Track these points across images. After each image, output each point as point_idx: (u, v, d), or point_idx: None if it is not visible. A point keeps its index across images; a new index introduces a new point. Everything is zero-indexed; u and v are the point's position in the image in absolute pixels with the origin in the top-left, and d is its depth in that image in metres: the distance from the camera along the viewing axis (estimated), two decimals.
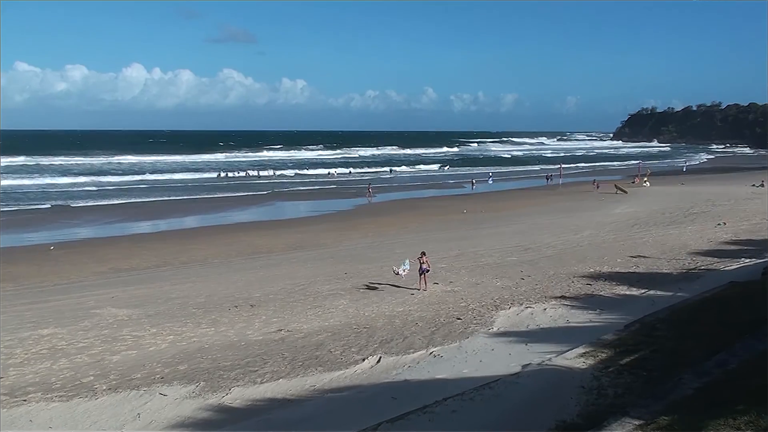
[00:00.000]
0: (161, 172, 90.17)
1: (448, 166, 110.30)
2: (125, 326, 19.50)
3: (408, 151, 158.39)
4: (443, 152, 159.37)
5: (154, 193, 64.43)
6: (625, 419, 8.80)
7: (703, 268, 24.83)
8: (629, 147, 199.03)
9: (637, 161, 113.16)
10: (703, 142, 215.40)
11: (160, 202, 57.59)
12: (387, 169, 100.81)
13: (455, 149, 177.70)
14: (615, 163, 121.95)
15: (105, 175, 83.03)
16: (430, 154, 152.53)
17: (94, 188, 68.97)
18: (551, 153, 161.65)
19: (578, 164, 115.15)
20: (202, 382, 14.36)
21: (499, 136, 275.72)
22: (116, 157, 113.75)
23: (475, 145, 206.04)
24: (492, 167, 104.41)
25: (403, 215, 47.88)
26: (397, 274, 24.13)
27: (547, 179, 78.16)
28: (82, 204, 55.65)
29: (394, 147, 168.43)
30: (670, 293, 20.39)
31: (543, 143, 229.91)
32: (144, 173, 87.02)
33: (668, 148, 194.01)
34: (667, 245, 30.49)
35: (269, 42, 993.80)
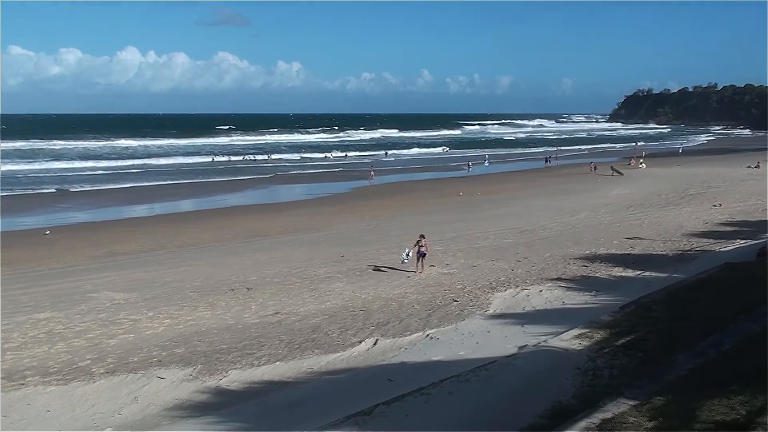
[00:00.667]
0: (156, 156, 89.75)
1: (447, 149, 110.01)
2: (122, 310, 19.50)
3: (409, 133, 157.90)
4: (445, 135, 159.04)
5: (150, 178, 64.11)
6: (620, 400, 8.84)
7: (698, 249, 24.92)
8: (629, 129, 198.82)
9: (633, 143, 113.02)
10: (699, 123, 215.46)
11: (155, 187, 57.33)
12: (382, 152, 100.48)
13: (457, 132, 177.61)
14: (612, 144, 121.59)
15: (100, 160, 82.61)
16: (431, 136, 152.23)
17: (90, 173, 68.69)
18: (554, 135, 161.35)
19: (574, 146, 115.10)
20: (199, 365, 14.40)
21: (497, 118, 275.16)
22: (111, 141, 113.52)
23: (477, 127, 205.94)
24: (498, 149, 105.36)
25: (399, 198, 47.85)
26: (404, 262, 23.99)
27: (546, 161, 77.89)
28: (77, 188, 55.48)
29: (393, 130, 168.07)
30: (666, 275, 20.46)
31: (543, 125, 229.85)
32: (139, 157, 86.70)
33: (668, 130, 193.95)
34: (662, 227, 30.56)
35: (264, 25, 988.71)
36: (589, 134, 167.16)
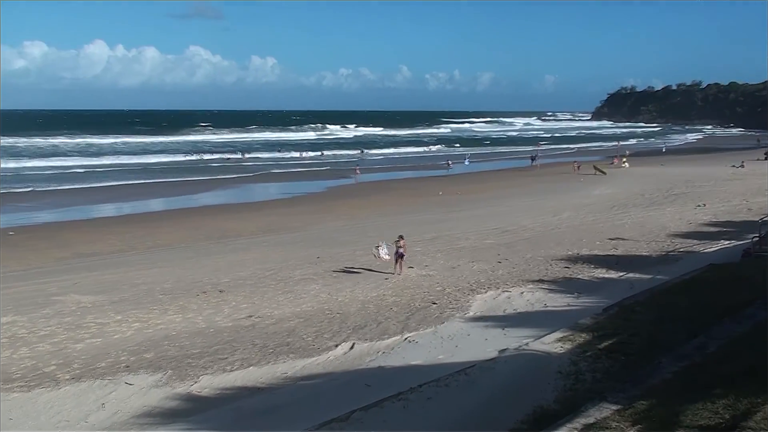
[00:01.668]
0: (126, 153, 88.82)
1: (436, 147, 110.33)
2: (89, 313, 19.28)
3: (392, 131, 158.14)
4: (432, 133, 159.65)
5: (118, 176, 63.27)
6: (602, 404, 8.89)
7: (682, 250, 25.19)
8: (619, 127, 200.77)
9: (616, 142, 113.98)
10: (683, 121, 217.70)
11: (124, 186, 56.75)
12: (357, 150, 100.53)
13: (444, 130, 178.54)
14: (598, 143, 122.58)
15: (67, 157, 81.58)
16: (418, 134, 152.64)
17: (56, 171, 67.76)
18: (545, 133, 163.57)
19: (556, 145, 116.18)
20: (169, 371, 14.27)
21: (479, 115, 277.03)
22: (78, 138, 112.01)
23: (467, 125, 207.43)
24: (487, 148, 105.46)
25: (377, 197, 47.84)
26: (380, 257, 23.99)
27: (532, 160, 78.22)
28: (43, 188, 54.73)
29: (377, 128, 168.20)
30: (649, 276, 20.65)
31: (530, 123, 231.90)
32: (107, 155, 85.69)
33: (658, 128, 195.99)
34: (646, 227, 30.84)
35: (235, 18, 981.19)
36: (579, 133, 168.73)
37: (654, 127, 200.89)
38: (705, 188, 46.45)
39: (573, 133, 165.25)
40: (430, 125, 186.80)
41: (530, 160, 77.38)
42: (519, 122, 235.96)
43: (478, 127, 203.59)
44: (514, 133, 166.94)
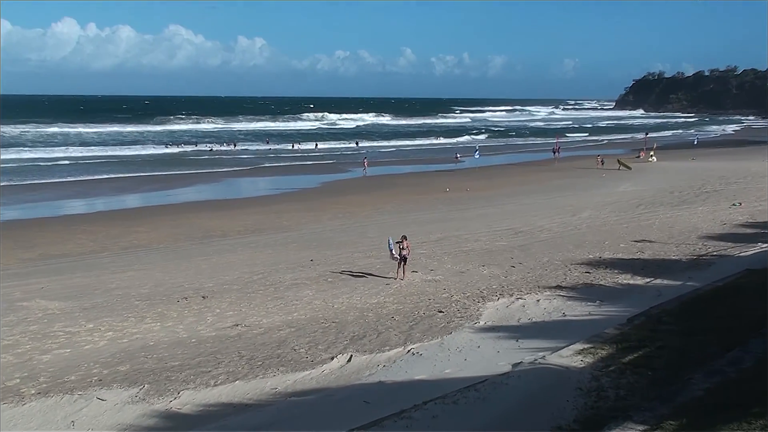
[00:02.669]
0: (98, 144, 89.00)
1: (464, 139, 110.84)
2: (57, 321, 19.29)
3: (401, 121, 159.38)
4: (446, 123, 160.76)
5: (90, 170, 63.44)
6: (627, 424, 8.89)
7: (715, 254, 25.16)
8: (653, 117, 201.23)
9: (644, 133, 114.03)
10: (716, 111, 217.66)
11: (96, 180, 56.81)
12: (353, 143, 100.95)
13: (463, 119, 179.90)
14: (623, 135, 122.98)
15: (32, 148, 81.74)
16: (432, 125, 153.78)
17: (20, 164, 67.74)
18: (573, 123, 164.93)
19: (581, 135, 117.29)
20: (146, 385, 14.27)
21: (495, 103, 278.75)
22: (45, 127, 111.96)
23: (487, 113, 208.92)
24: (528, 138, 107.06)
25: (378, 194, 47.87)
26: (394, 257, 23.58)
27: (554, 152, 78.20)
28: (5, 182, 54.64)
29: (384, 117, 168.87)
30: (679, 282, 20.63)
31: (554, 113, 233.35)
32: (76, 146, 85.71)
33: (693, 118, 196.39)
34: (675, 228, 30.84)
35: None
36: (609, 123, 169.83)
37: (689, 118, 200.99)
38: (741, 185, 46.45)
39: (603, 124, 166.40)
40: (443, 114, 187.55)
41: (552, 153, 77.50)
42: (540, 111, 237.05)
43: (498, 116, 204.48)
44: (540, 124, 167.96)
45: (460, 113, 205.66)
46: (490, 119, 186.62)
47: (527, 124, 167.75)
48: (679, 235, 29.26)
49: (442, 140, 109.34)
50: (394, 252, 23.57)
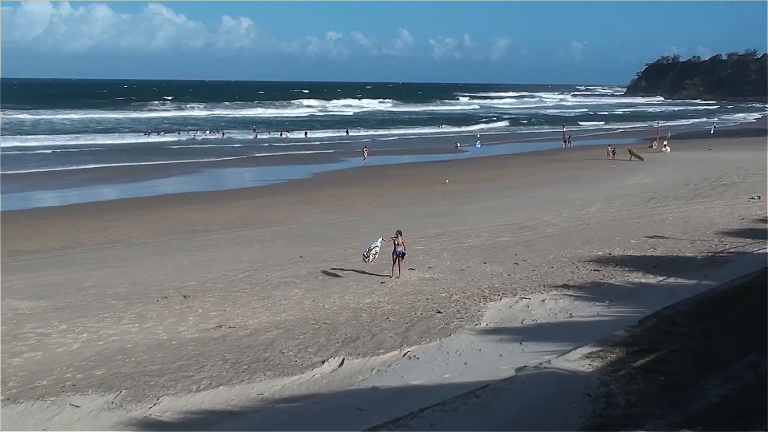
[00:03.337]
0: (70, 132, 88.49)
1: (477, 128, 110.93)
2: (27, 322, 19.25)
3: (404, 107, 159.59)
4: (453, 110, 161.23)
5: (62, 160, 63.08)
6: None
7: (733, 251, 25.20)
8: (670, 104, 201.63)
9: (656, 121, 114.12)
10: (734, 97, 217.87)
11: (69, 171, 56.54)
12: (343, 131, 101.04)
13: (472, 105, 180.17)
14: (637, 124, 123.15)
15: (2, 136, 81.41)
16: (438, 112, 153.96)
17: None
18: (589, 111, 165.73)
19: (591, 123, 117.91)
20: (123, 391, 14.26)
21: (499, 89, 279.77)
22: (14, 113, 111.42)
23: (491, 101, 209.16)
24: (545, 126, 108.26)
25: (373, 185, 47.85)
26: (366, 259, 23.92)
27: (565, 142, 78.28)
28: None
29: (385, 102, 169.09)
30: (694, 281, 20.66)
31: (566, 99, 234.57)
32: (47, 134, 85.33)
33: (714, 105, 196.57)
34: (690, 223, 30.88)
35: None
36: (625, 111, 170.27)
37: (709, 105, 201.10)
38: (760, 177, 46.42)
39: (618, 111, 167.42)
40: (446, 101, 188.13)
41: (563, 142, 77.59)
42: (551, 98, 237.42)
43: (507, 103, 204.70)
44: (553, 111, 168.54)
45: (470, 99, 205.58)
46: (498, 106, 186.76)
47: (539, 111, 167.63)
48: (694, 230, 29.29)
49: (459, 128, 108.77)
50: (369, 256, 23.59)
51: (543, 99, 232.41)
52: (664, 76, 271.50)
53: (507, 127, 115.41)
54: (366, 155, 64.50)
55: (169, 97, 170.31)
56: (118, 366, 15.82)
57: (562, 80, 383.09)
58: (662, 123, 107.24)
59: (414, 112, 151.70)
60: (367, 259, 23.76)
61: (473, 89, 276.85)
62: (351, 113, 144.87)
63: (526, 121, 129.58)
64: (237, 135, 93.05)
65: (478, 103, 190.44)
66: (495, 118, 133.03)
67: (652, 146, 70.71)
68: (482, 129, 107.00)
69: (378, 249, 23.86)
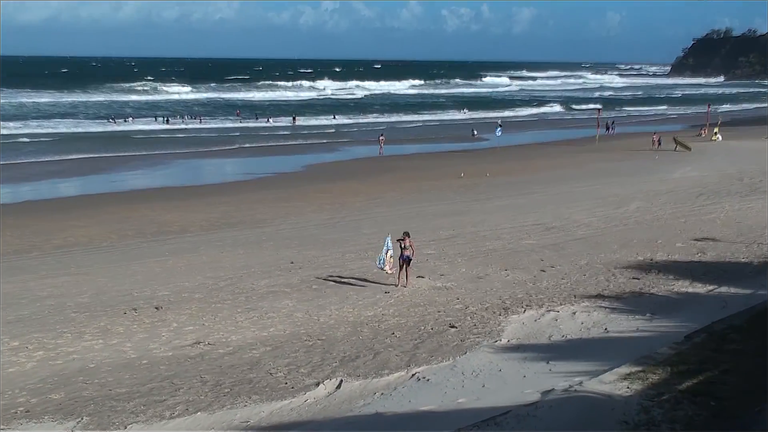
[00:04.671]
0: (20, 118, 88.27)
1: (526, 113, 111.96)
2: None
3: (428, 90, 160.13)
4: (496, 93, 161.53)
5: (11, 151, 62.87)
6: None
7: None
8: (734, 86, 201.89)
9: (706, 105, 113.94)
10: None
11: (19, 164, 56.63)
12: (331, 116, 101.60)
13: (511, 86, 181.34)
14: (694, 108, 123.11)
15: None
16: (476, 94, 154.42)
17: None
18: (643, 93, 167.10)
19: (640, 108, 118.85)
20: (85, 417, 14.27)
21: (531, 68, 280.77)
22: None
23: (537, 80, 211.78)
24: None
25: (375, 180, 47.96)
26: (384, 268, 23.78)
27: (608, 129, 78.36)
28: None
29: (403, 83, 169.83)
30: (749, 291, 20.65)
31: (614, 80, 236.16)
32: None
33: None
34: (744, 224, 30.85)
35: None
36: (686, 93, 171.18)
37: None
38: None
39: (677, 93, 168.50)
40: (473, 82, 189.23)
41: (605, 129, 77.75)
42: (594, 78, 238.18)
43: (546, 84, 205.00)
44: (607, 94, 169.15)
45: (510, 79, 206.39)
46: (538, 88, 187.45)
47: (588, 94, 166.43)
48: (749, 232, 29.27)
49: (500, 113, 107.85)
50: (386, 267, 23.56)
51: (589, 79, 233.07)
52: (714, 53, 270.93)
53: (559, 113, 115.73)
54: (382, 145, 65.41)
55: (138, 77, 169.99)
56: (80, 389, 15.83)
57: (597, 57, 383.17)
58: (715, 108, 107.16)
59: (437, 95, 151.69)
60: (385, 268, 23.59)
61: (499, 68, 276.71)
62: (361, 95, 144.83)
63: (577, 106, 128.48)
64: (218, 121, 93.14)
65: (517, 84, 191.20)
66: (536, 103, 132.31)
67: (700, 134, 70.72)
68: (532, 114, 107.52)
69: (391, 251, 23.71)
